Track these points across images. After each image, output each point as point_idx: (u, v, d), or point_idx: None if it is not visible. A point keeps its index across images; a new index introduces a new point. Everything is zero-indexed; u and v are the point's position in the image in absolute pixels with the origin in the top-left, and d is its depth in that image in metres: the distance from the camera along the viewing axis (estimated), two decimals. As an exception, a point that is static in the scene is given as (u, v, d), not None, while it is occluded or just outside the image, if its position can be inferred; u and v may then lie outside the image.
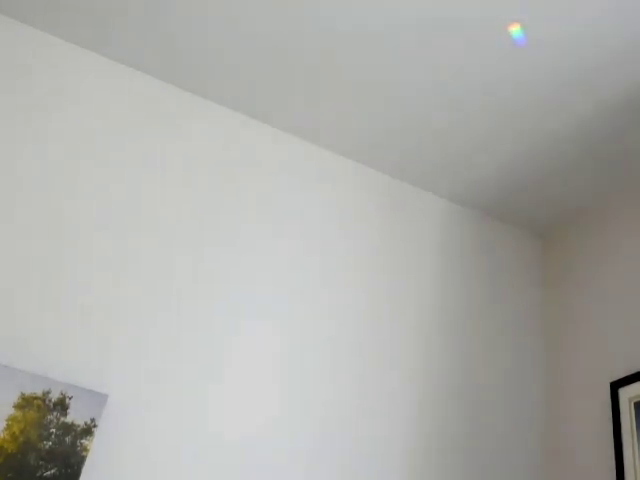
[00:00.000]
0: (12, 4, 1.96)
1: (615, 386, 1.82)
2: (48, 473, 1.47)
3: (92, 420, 1.56)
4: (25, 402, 1.51)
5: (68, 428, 1.52)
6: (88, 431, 1.54)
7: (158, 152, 2.02)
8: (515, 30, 1.75)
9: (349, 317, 2.00)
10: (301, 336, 1.91)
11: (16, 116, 1.89)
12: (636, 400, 1.74)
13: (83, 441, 1.53)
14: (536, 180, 2.21)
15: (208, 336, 1.81)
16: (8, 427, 1.47)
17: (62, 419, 1.53)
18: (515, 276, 2.34)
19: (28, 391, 1.53)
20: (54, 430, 1.51)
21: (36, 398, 1.53)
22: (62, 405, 1.54)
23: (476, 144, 2.12)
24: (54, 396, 1.55)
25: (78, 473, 1.49)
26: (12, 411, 1.49)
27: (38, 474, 1.46)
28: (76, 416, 1.54)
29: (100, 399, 1.58)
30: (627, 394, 1.78)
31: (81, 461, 1.50)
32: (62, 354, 1.64)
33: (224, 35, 1.92)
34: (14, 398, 1.50)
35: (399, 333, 2.04)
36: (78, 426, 1.53)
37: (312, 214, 2.13)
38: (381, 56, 1.89)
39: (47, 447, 1.49)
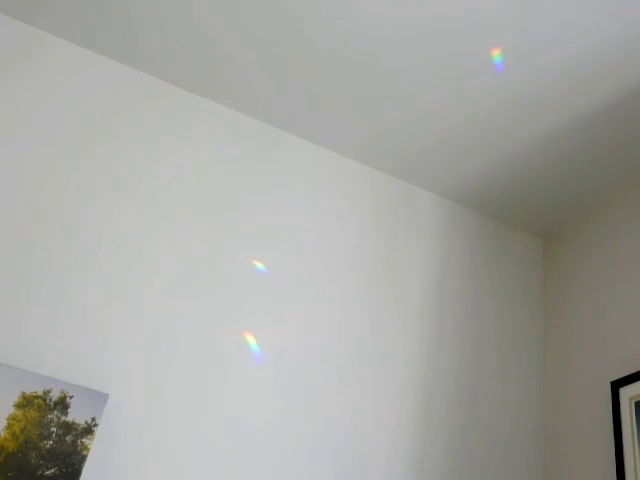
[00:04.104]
0: (12, 3, 1.96)
1: (616, 385, 1.82)
2: (49, 472, 1.46)
3: (93, 419, 1.55)
4: (26, 401, 1.51)
5: (69, 427, 1.52)
6: (89, 430, 1.54)
7: (158, 152, 2.02)
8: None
9: (350, 316, 2.00)
10: (301, 335, 1.91)
11: (16, 114, 1.89)
12: (637, 399, 1.74)
13: (84, 440, 1.52)
14: (537, 180, 2.22)
15: (209, 337, 1.81)
16: (9, 426, 1.47)
17: (63, 418, 1.53)
18: (515, 276, 2.35)
19: (29, 390, 1.52)
20: (55, 429, 1.51)
21: (37, 397, 1.52)
22: (63, 404, 1.54)
23: (477, 144, 2.13)
24: (55, 395, 1.54)
25: (79, 472, 1.49)
26: (13, 410, 1.49)
27: (39, 473, 1.45)
28: (77, 415, 1.54)
29: (101, 398, 1.58)
30: (628, 393, 1.78)
31: (82, 460, 1.50)
32: (63, 353, 1.64)
33: (225, 35, 1.92)
34: (15, 397, 1.50)
35: (399, 332, 2.04)
36: (79, 425, 1.53)
37: (311, 214, 2.13)
38: (381, 56, 1.90)
39: (48, 446, 1.49)
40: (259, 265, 1.87)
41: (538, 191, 2.26)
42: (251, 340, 1.81)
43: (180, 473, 1.62)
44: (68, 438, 1.51)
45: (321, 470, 1.76)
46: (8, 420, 1.47)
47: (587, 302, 2.11)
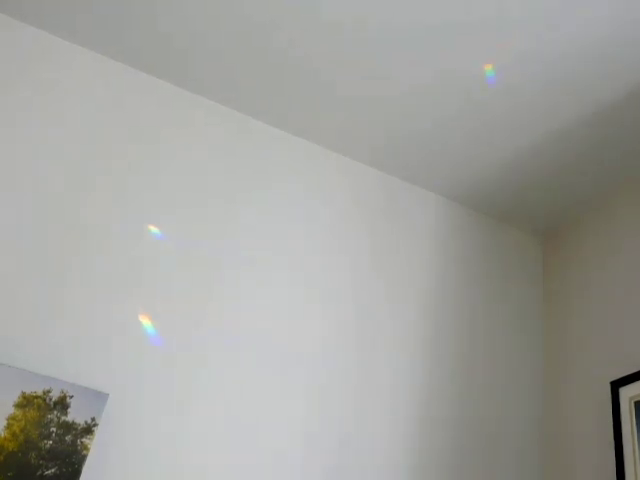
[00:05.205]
0: (12, 3, 1.96)
1: (615, 385, 1.82)
2: (48, 472, 1.46)
3: (92, 419, 1.55)
4: (26, 401, 1.51)
5: (68, 427, 1.52)
6: (88, 430, 1.54)
7: (159, 152, 2.02)
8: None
9: (348, 315, 2.00)
10: (300, 334, 1.91)
11: (16, 115, 1.89)
12: (637, 399, 1.74)
13: (83, 440, 1.52)
14: (537, 180, 2.22)
15: (208, 337, 1.81)
16: (9, 426, 1.47)
17: (63, 418, 1.53)
18: (515, 275, 2.35)
19: (29, 390, 1.52)
20: (54, 429, 1.51)
21: (37, 397, 1.52)
22: (63, 404, 1.54)
23: (477, 143, 2.13)
24: (55, 395, 1.55)
25: (78, 472, 1.49)
26: (13, 410, 1.49)
27: (38, 473, 1.46)
28: (77, 415, 1.54)
29: (101, 398, 1.58)
30: (627, 393, 1.78)
31: (81, 460, 1.50)
32: (63, 353, 1.64)
33: (224, 35, 1.93)
34: (15, 397, 1.50)
35: (397, 332, 2.04)
36: (78, 425, 1.53)
37: (309, 212, 2.13)
38: (379, 54, 1.90)
39: (47, 446, 1.49)
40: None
41: (538, 190, 2.26)
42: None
43: (180, 473, 1.62)
44: (68, 438, 1.51)
45: (320, 469, 1.76)
46: (8, 420, 1.47)
47: (587, 302, 2.11)
